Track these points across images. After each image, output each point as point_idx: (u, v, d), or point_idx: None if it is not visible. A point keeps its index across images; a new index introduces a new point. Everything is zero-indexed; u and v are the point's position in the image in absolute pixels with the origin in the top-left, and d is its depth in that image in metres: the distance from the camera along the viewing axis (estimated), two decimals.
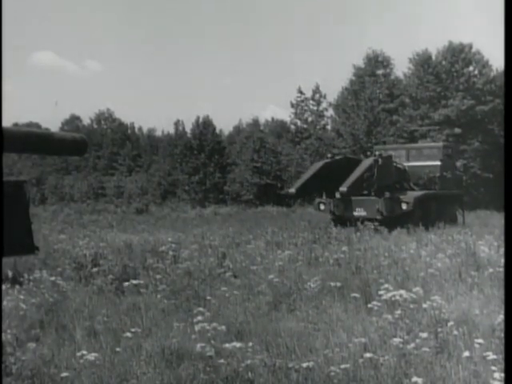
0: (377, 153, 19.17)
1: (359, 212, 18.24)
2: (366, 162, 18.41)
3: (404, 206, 18.00)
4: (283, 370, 4.33)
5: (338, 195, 17.81)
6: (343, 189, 17.13)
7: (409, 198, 18.20)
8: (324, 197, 19.38)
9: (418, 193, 18.92)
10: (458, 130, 40.22)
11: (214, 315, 5.75)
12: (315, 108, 50.71)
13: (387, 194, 18.09)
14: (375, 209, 17.98)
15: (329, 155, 20.73)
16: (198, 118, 52.64)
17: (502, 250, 8.42)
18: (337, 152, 38.47)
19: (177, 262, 9.19)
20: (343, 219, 17.95)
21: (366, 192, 18.51)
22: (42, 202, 52.61)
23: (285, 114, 65.37)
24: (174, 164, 52.80)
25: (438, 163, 20.18)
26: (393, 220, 17.20)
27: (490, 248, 9.68)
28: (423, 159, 20.44)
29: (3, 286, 7.01)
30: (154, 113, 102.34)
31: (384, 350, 4.67)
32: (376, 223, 15.15)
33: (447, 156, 21.00)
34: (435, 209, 19.12)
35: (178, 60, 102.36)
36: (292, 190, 18.68)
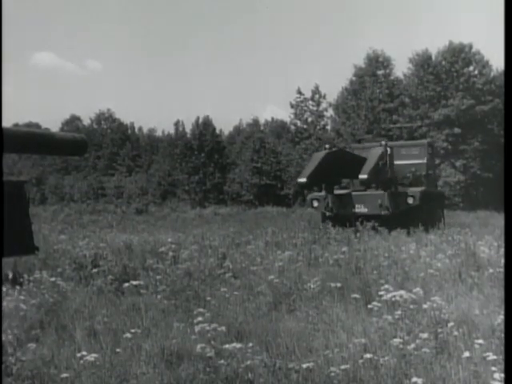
0: (383, 142, 17.85)
1: (360, 209, 17.23)
2: (377, 151, 17.13)
3: (410, 201, 17.07)
4: (283, 370, 4.32)
5: (359, 180, 16.53)
6: (363, 176, 15.93)
7: (414, 192, 17.28)
8: (323, 191, 18.20)
9: (421, 188, 17.98)
10: (457, 130, 40.27)
11: (213, 316, 5.74)
12: (315, 108, 50.72)
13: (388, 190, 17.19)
14: (377, 205, 16.92)
15: (327, 146, 19.00)
16: (198, 118, 52.76)
17: (502, 251, 8.41)
18: None
19: (177, 262, 9.17)
20: (342, 217, 16.80)
21: (374, 185, 17.61)
22: (42, 202, 52.59)
23: (285, 115, 65.77)
24: (173, 164, 52.82)
25: (424, 161, 19.43)
26: (394, 219, 16.28)
27: (489, 248, 9.67)
28: (407, 157, 19.39)
29: (3, 287, 7.01)
30: (154, 113, 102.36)
31: (384, 350, 4.66)
32: (377, 224, 14.42)
33: (430, 154, 20.29)
34: (426, 208, 18.14)
35: (178, 60, 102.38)
36: (303, 179, 16.83)
